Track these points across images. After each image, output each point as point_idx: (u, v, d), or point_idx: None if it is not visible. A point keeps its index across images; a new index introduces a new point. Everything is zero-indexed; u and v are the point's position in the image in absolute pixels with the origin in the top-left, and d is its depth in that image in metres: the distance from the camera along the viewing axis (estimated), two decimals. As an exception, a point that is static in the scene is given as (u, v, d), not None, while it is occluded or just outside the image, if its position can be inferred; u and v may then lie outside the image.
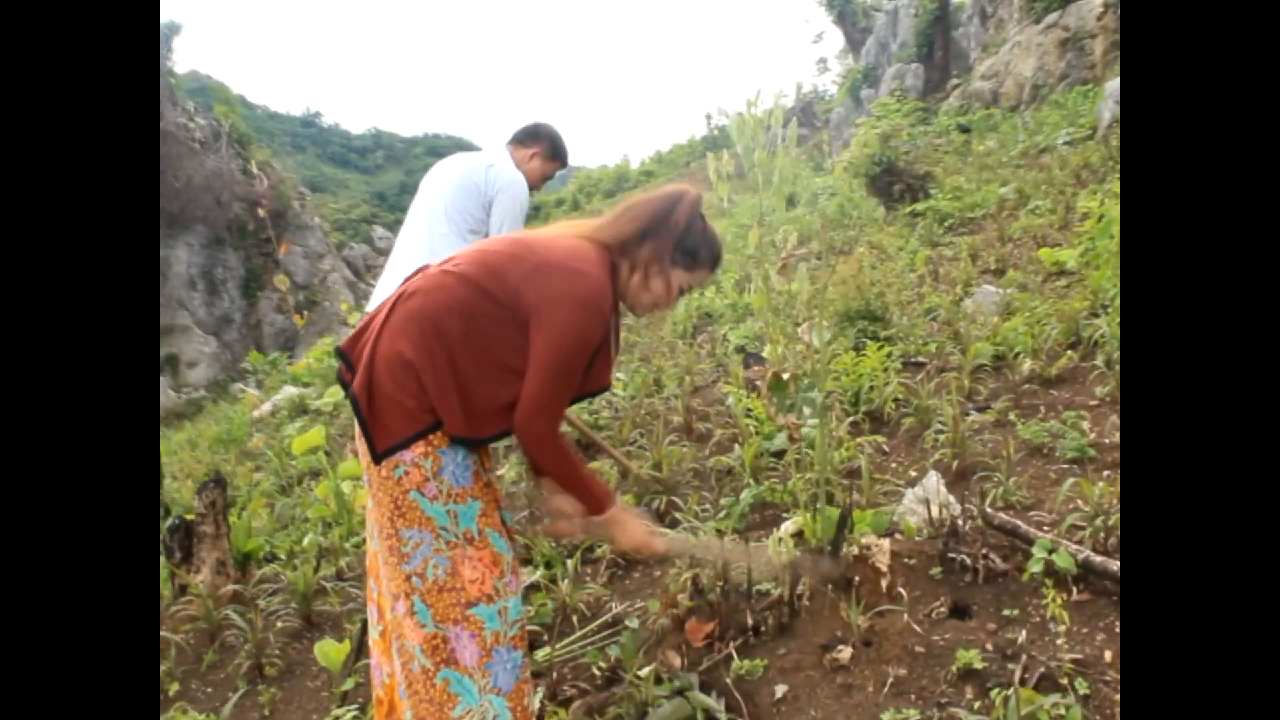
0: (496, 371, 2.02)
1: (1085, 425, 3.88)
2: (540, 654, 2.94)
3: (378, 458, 2.02)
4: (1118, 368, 4.04)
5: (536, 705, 2.66)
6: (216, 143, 23.02)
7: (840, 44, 32.97)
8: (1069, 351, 4.70)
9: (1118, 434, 3.65)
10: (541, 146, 3.84)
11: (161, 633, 3.73)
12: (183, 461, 7.78)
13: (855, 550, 2.85)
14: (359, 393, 2.03)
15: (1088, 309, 5.12)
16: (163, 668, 3.60)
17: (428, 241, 3.57)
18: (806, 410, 2.69)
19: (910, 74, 21.16)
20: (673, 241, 2.19)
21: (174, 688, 3.52)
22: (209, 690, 3.51)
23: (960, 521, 2.95)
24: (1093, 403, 4.15)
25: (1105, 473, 3.39)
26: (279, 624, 3.87)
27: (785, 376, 2.68)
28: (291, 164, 35.26)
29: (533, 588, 3.47)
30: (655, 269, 2.19)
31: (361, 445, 2.08)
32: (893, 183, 11.10)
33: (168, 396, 20.41)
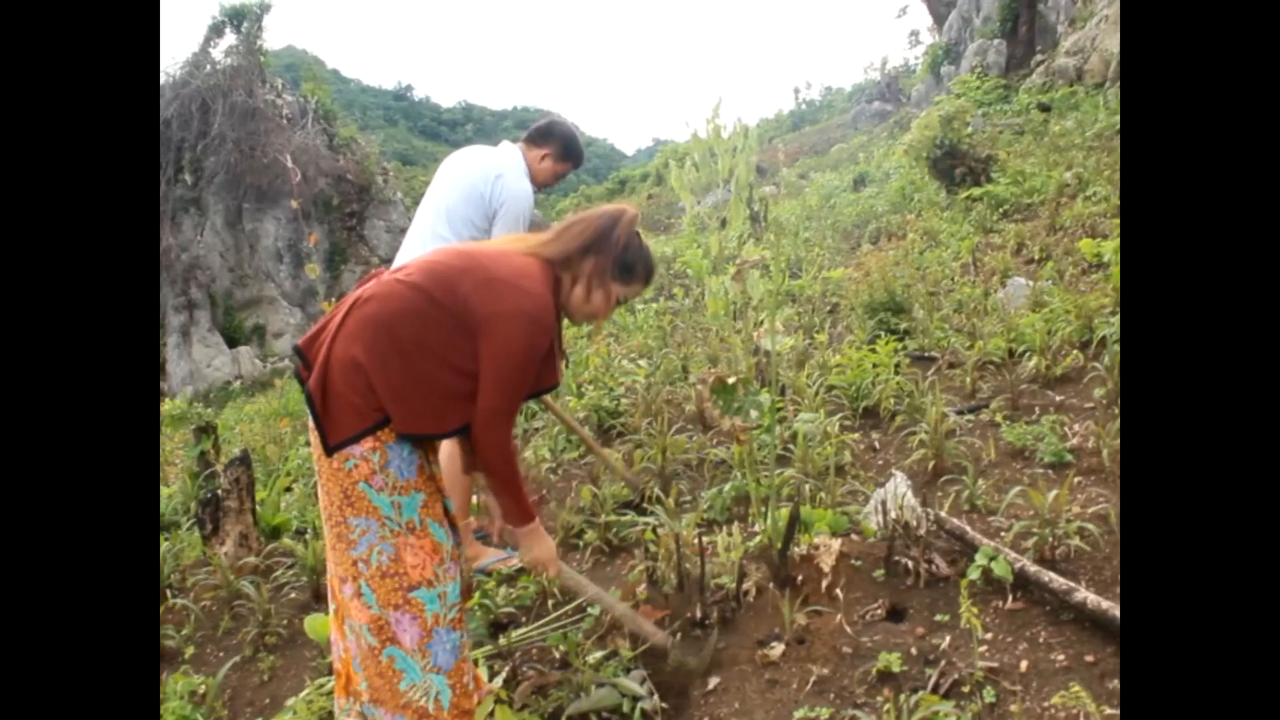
0: (443, 372, 2.19)
1: (1075, 428, 3.84)
2: (503, 639, 3.10)
3: (329, 451, 2.20)
4: (1118, 369, 3.97)
5: (495, 682, 2.83)
6: (303, 119, 23.61)
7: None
8: (1076, 351, 4.62)
9: (1093, 439, 3.61)
10: (553, 148, 3.88)
11: (184, 601, 4.01)
12: (242, 434, 8.20)
13: (803, 550, 2.93)
14: (314, 390, 2.21)
15: (1110, 305, 4.99)
16: (182, 633, 3.88)
17: (432, 244, 3.68)
18: (754, 414, 2.77)
19: (992, 50, 20.53)
20: (613, 258, 2.38)
21: (190, 651, 3.79)
22: (220, 654, 3.77)
23: (915, 524, 3.00)
24: (1088, 405, 4.09)
25: (1078, 479, 3.37)
26: (292, 595, 4.12)
27: (731, 381, 2.76)
28: (382, 137, 35.91)
29: (521, 571, 3.64)
30: (596, 282, 2.39)
31: (314, 438, 2.27)
32: (955, 166, 10.89)
33: (254, 365, 21.28)
